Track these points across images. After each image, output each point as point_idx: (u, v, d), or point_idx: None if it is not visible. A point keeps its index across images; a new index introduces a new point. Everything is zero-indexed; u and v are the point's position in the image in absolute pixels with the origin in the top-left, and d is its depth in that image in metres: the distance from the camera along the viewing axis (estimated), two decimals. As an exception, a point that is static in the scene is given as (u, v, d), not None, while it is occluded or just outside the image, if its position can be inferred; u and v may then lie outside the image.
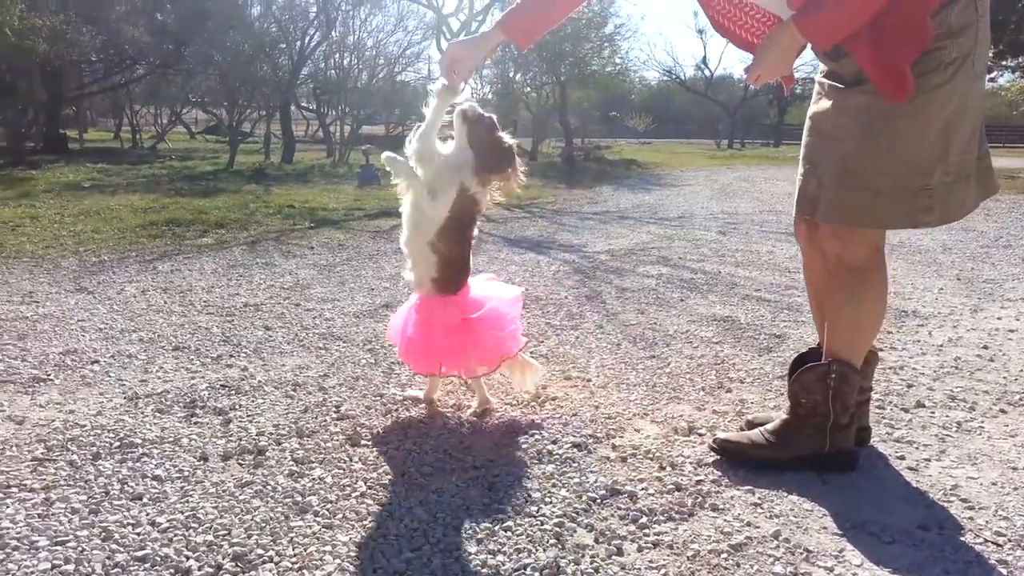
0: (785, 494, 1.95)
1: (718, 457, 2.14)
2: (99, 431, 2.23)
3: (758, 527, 1.78)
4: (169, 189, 9.47)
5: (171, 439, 2.19)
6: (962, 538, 1.75)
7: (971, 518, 1.84)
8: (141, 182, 10.35)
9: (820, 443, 2.04)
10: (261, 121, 17.56)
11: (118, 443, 2.15)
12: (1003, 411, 2.56)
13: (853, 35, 1.76)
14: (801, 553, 1.68)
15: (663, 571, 1.61)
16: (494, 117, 2.33)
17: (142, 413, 2.40)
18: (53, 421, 2.30)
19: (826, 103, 1.98)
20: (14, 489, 1.88)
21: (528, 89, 19.37)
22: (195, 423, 2.33)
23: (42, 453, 2.08)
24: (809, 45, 1.89)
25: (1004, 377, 2.92)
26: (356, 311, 3.82)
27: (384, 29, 20.13)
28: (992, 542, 1.73)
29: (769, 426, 2.12)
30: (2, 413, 2.37)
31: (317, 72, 17.85)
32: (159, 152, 18.30)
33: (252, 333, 3.37)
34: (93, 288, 4.19)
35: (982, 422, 2.47)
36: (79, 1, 13.05)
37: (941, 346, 3.35)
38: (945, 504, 1.92)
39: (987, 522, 1.82)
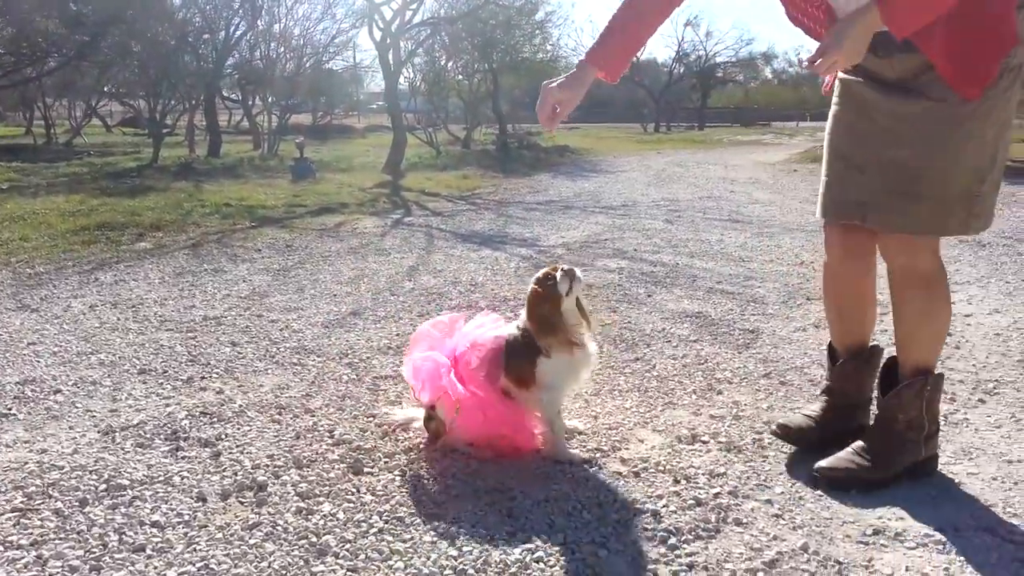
0: (801, 501, 1.96)
1: (725, 465, 2.14)
2: (80, 472, 2.08)
3: (785, 540, 1.78)
4: (94, 189, 9.01)
5: (161, 478, 2.06)
6: (980, 539, 1.78)
7: (982, 516, 1.89)
8: (62, 182, 9.82)
9: (916, 453, 2.06)
10: (184, 113, 16.88)
11: (104, 486, 2.01)
12: (982, 400, 2.64)
13: (924, 29, 1.71)
14: (833, 566, 1.68)
15: (703, 595, 1.59)
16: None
17: (122, 449, 2.25)
18: (26, 463, 2.14)
19: (871, 104, 1.96)
20: (-1, 547, 1.73)
21: (460, 77, 19.17)
22: (182, 458, 2.20)
23: (22, 502, 1.92)
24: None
25: (973, 365, 3.02)
26: (324, 321, 3.70)
27: (311, 17, 19.53)
28: (1010, 541, 1.77)
29: (862, 445, 2.07)
30: (-35, 457, 2.19)
31: (242, 62, 17.26)
32: (76, 148, 17.41)
33: (219, 350, 3.22)
34: (36, 305, 3.94)
35: (965, 414, 2.53)
36: (-15, -9, 12.26)
37: (906, 335, 3.43)
38: (954, 503, 1.96)
39: (1000, 520, 1.87)
